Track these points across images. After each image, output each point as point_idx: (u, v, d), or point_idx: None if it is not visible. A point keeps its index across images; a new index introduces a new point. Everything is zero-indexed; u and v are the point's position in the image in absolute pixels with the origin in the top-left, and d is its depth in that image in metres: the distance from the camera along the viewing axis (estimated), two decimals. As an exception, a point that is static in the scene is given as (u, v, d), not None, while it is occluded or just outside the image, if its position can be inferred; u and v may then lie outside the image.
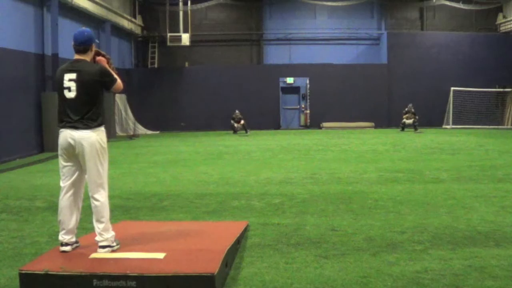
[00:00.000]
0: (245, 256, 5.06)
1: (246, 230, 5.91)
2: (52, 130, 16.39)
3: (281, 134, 22.96)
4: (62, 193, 4.77)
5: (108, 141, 4.99)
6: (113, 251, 4.68)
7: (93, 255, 4.56)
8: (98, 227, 4.71)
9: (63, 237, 4.75)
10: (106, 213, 4.72)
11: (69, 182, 4.75)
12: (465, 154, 13.90)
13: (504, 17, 27.60)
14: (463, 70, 26.20)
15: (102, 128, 4.75)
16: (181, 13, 26.50)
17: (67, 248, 4.72)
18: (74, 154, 4.69)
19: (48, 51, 16.72)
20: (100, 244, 4.69)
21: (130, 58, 27.10)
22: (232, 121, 23.35)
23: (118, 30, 24.03)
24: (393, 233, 5.87)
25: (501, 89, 26.19)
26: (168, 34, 26.09)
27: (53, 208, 7.59)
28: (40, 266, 4.23)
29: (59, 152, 4.76)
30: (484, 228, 6.05)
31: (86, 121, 4.64)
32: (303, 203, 7.64)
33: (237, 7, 27.81)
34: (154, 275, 4.03)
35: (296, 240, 5.61)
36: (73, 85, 4.65)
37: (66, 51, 17.80)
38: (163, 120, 25.73)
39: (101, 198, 4.71)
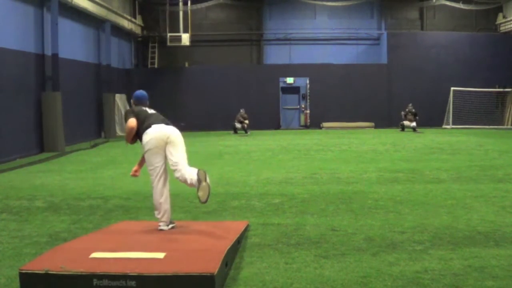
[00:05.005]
0: (245, 256, 5.06)
1: (246, 230, 5.91)
2: (52, 130, 16.43)
3: (281, 134, 22.94)
4: None
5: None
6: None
7: (93, 255, 4.56)
8: None
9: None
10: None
11: None
12: (465, 154, 13.89)
13: (504, 17, 27.59)
14: (463, 70, 26.17)
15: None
16: (181, 13, 26.49)
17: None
18: None
19: (48, 51, 16.70)
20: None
21: (130, 58, 27.09)
22: (235, 121, 23.30)
23: (118, 30, 24.01)
24: (393, 233, 5.87)
25: (501, 89, 26.16)
26: (168, 34, 26.08)
27: (53, 208, 7.61)
28: (40, 266, 4.22)
29: None
30: (484, 228, 6.05)
31: None
32: (303, 203, 7.64)
33: (237, 7, 27.80)
34: (154, 275, 4.03)
35: (296, 240, 5.61)
36: None
37: (66, 51, 17.91)
38: (163, 120, 25.65)
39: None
